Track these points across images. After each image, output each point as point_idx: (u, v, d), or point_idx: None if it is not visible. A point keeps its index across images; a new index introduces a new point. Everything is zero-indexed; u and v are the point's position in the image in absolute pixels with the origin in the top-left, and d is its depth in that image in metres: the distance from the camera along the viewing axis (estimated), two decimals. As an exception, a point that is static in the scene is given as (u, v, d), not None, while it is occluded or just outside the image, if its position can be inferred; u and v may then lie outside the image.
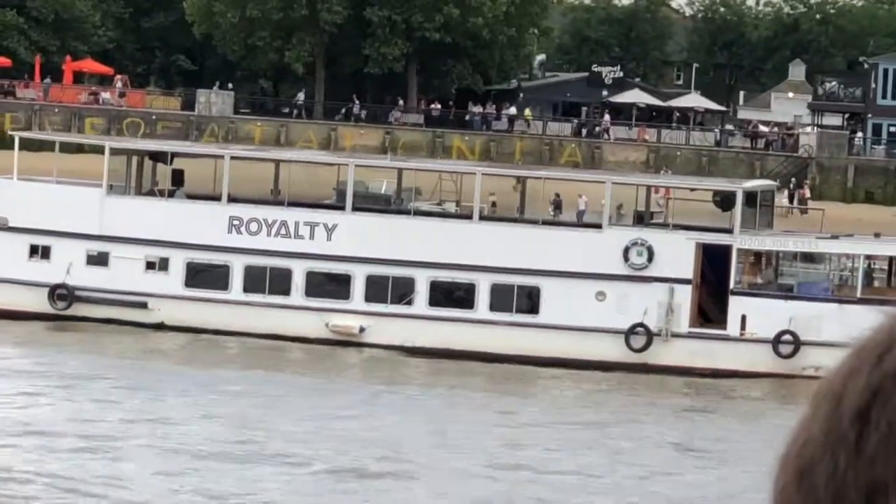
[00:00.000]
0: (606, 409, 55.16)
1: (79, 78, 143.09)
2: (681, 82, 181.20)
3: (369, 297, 62.10)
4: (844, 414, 1.63)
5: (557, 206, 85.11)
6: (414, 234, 62.86)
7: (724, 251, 61.34)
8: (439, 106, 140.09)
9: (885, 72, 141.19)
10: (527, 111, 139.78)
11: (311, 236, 62.77)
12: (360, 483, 43.48)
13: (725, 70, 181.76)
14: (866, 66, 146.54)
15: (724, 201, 65.11)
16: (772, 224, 67.45)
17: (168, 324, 62.32)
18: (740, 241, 61.67)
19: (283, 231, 62.91)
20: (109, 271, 63.35)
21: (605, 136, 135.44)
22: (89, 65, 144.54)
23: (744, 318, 60.41)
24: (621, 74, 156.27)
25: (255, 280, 62.67)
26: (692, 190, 71.43)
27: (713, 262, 61.28)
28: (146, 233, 62.93)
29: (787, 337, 59.84)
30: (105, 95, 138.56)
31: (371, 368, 60.58)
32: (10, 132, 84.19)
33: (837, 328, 58.91)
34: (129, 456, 45.01)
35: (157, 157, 69.12)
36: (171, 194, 66.33)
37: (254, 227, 62.84)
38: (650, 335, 60.26)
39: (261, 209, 64.73)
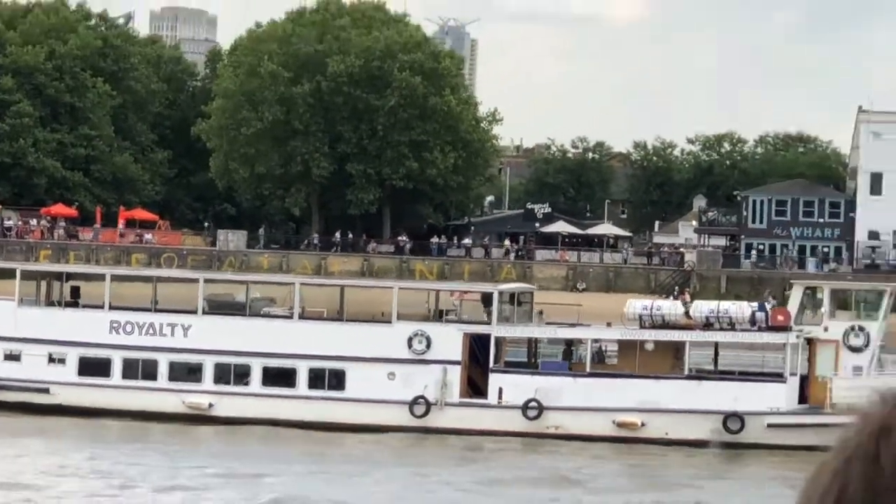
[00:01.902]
0: (392, 458, 55.43)
1: (131, 223, 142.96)
2: (625, 216, 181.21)
3: (216, 380, 62.12)
4: (886, 468, 1.59)
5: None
6: (249, 331, 62.69)
7: (486, 338, 61.19)
8: (406, 238, 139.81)
9: (754, 202, 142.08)
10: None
11: (172, 334, 62.70)
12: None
13: (657, 205, 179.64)
14: (739, 198, 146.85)
15: (486, 300, 64.53)
16: (531, 317, 67.04)
17: (64, 405, 61.58)
18: (497, 331, 61.41)
19: (150, 331, 62.95)
20: (21, 365, 63.10)
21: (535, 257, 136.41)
22: (139, 213, 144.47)
23: (500, 389, 60.26)
24: (550, 210, 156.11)
25: (131, 369, 62.48)
26: (466, 292, 71.23)
27: (478, 347, 61.22)
28: (49, 334, 62.97)
29: (533, 403, 59.51)
30: (148, 236, 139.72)
31: (216, 436, 60.04)
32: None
33: (572, 396, 59.88)
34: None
35: (56, 277, 68.83)
36: (71, 305, 66.10)
37: (129, 328, 63.02)
38: (428, 405, 60.18)
39: (134, 314, 64.46)
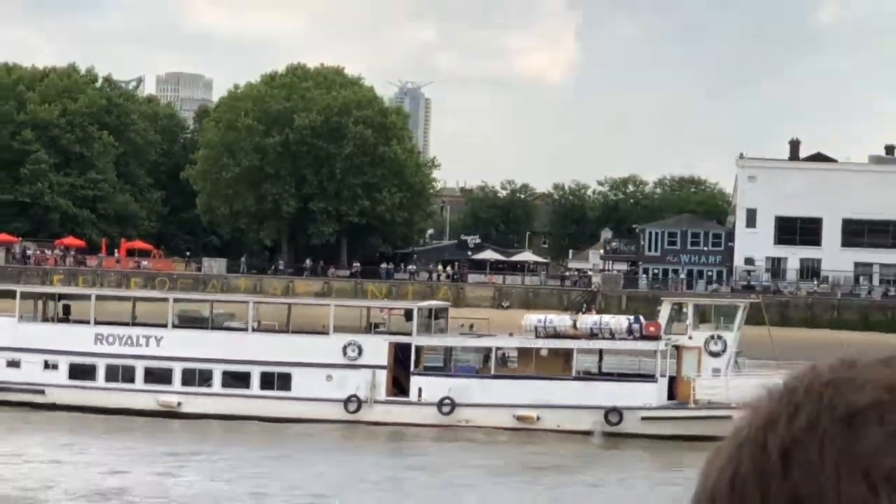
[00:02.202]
0: (329, 445, 55.39)
1: (131, 252, 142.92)
2: (546, 246, 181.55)
3: (184, 382, 61.99)
4: (772, 454, 1.58)
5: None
6: (212, 342, 62.55)
7: (408, 347, 61.37)
8: (359, 265, 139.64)
9: (650, 234, 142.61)
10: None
11: (147, 344, 62.57)
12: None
13: (573, 236, 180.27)
14: (638, 230, 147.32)
15: (408, 315, 64.67)
16: (446, 329, 67.24)
17: (58, 403, 61.32)
18: (417, 340, 61.55)
19: (129, 341, 62.90)
20: (20, 370, 63.05)
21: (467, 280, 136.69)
22: (138, 244, 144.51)
23: (420, 389, 60.41)
24: (479, 240, 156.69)
25: (112, 373, 62.34)
26: (392, 309, 71.42)
27: (402, 354, 61.42)
28: (44, 345, 62.94)
29: (447, 401, 59.71)
30: (145, 263, 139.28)
31: (184, 429, 59.55)
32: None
33: (479, 394, 60.09)
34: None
35: (50, 297, 68.86)
36: (63, 321, 66.32)
37: (111, 339, 63.00)
38: (360, 402, 60.35)
39: (115, 328, 64.30)
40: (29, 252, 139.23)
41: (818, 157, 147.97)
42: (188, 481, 48.01)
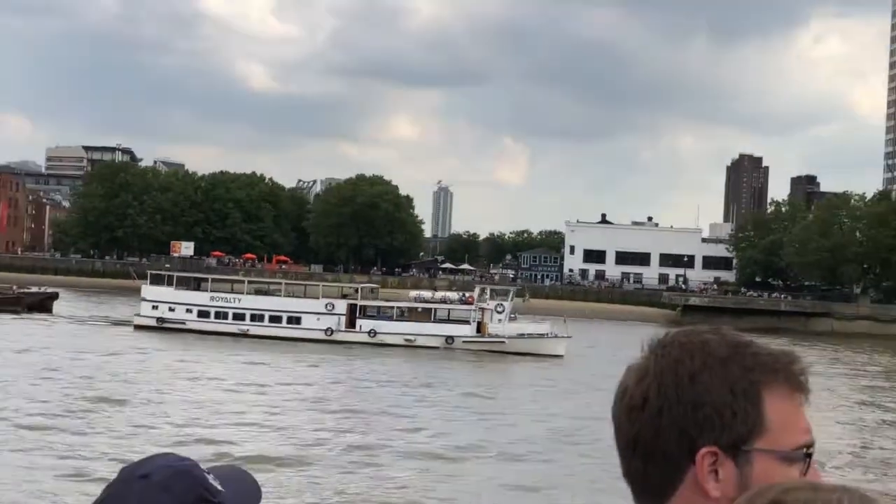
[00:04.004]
0: (318, 352, 50.89)
1: (279, 262, 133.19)
2: (483, 262, 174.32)
3: (251, 320, 59.41)
4: (666, 376, 1.13)
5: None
6: (263, 300, 60.01)
7: (356, 305, 59.06)
8: (384, 269, 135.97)
9: (525, 257, 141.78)
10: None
11: (234, 302, 59.97)
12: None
13: (497, 258, 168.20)
14: (521, 255, 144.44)
15: (358, 291, 62.01)
16: (378, 297, 63.77)
17: (192, 329, 57.52)
18: (360, 302, 59.22)
19: (225, 300, 60.31)
20: (174, 313, 59.41)
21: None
22: (281, 258, 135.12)
23: (361, 325, 57.91)
24: (444, 258, 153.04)
25: (218, 314, 59.69)
26: (358, 287, 67.15)
27: (354, 309, 58.85)
28: (187, 300, 59.86)
29: (373, 331, 57.37)
30: (284, 266, 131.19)
31: (249, 343, 54.87)
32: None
33: (389, 328, 57.11)
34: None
35: (193, 279, 64.54)
36: (196, 290, 61.94)
37: (217, 299, 60.35)
38: (332, 332, 57.92)
39: (219, 294, 61.13)
40: (226, 260, 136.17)
41: (604, 219, 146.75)
42: (253, 365, 43.40)
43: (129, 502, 1.23)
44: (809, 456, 1.09)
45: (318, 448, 22.31)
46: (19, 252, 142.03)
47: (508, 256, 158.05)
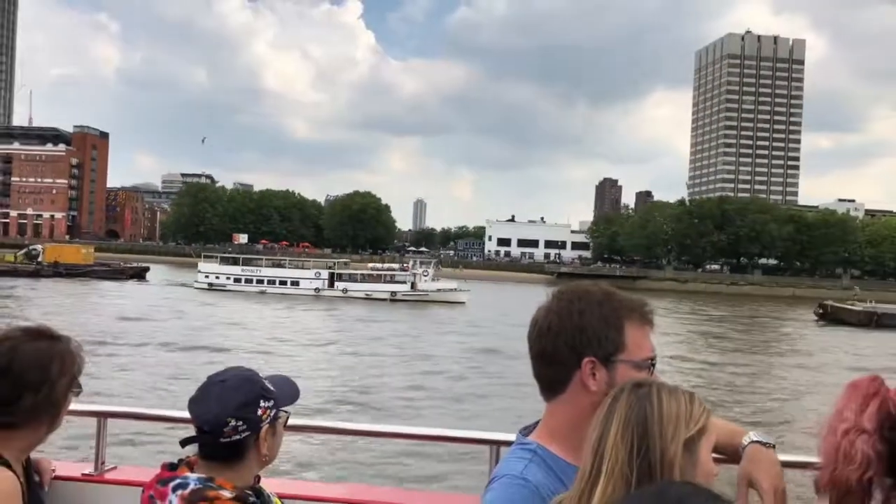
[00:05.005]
0: (307, 303, 45.75)
1: (305, 245, 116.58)
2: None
3: (268, 283, 52.96)
4: (560, 311, 1.05)
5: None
6: (276, 271, 54.29)
7: (334, 273, 54.93)
8: (370, 251, 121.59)
9: (465, 243, 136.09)
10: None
11: (257, 271, 54.27)
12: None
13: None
14: (463, 243, 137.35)
15: (335, 264, 57.72)
16: (348, 267, 57.65)
17: (231, 290, 51.30)
18: (337, 271, 54.52)
19: (251, 270, 54.68)
20: (219, 279, 53.35)
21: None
22: (305, 245, 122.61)
23: (337, 285, 52.43)
24: (409, 244, 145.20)
25: (246, 280, 53.58)
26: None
27: (333, 276, 53.53)
28: (226, 272, 54.04)
29: (346, 289, 51.72)
30: (306, 249, 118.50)
31: (270, 297, 48.11)
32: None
33: (355, 287, 53.18)
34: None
35: (233, 258, 56.82)
36: (236, 264, 53.97)
37: (246, 270, 54.35)
38: (319, 290, 52.67)
39: (248, 266, 55.28)
40: (269, 246, 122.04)
41: (512, 219, 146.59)
42: (273, 313, 36.56)
43: (211, 398, 1.28)
44: (653, 365, 1.15)
45: (316, 349, 21.09)
46: (140, 241, 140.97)
47: (451, 242, 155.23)
